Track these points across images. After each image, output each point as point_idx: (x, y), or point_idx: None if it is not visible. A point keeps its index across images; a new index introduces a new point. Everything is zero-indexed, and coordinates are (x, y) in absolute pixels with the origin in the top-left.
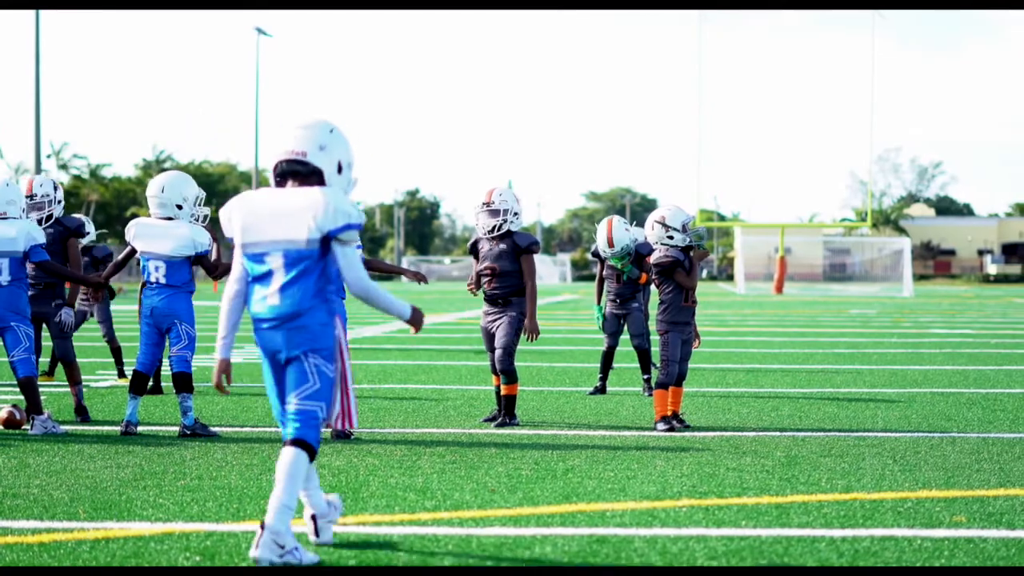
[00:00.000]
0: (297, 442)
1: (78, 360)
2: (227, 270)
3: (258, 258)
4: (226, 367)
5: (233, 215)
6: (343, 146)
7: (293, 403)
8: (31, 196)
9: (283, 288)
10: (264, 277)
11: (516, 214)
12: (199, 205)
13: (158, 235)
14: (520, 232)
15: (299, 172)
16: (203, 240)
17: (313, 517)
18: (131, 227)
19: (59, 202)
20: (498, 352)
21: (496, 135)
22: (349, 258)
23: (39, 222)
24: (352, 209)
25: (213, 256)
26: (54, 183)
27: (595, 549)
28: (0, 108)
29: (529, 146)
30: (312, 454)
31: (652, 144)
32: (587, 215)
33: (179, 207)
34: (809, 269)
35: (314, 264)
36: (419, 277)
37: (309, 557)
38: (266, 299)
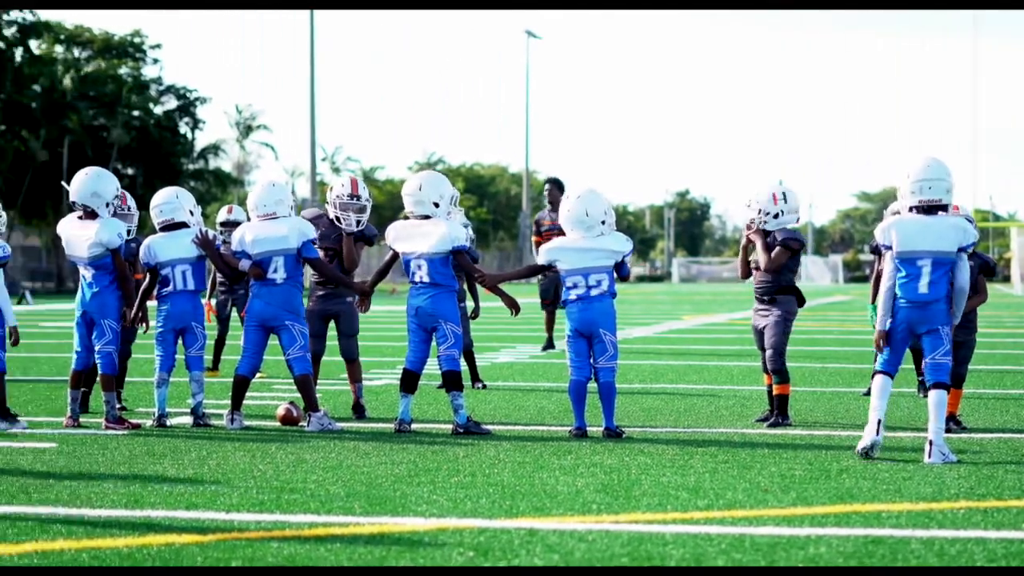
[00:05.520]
0: (939, 384)
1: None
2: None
3: (912, 262)
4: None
5: (890, 231)
6: None
7: (934, 359)
8: (357, 197)
9: (930, 283)
10: (915, 275)
11: (785, 214)
12: (455, 204)
13: (417, 235)
14: (787, 229)
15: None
16: (459, 235)
17: (931, 442)
18: (390, 231)
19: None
20: (768, 352)
21: (766, 135)
22: (964, 263)
23: (356, 223)
24: (973, 229)
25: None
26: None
27: (871, 550)
28: (276, 112)
29: (800, 146)
30: (949, 391)
31: (924, 143)
32: (859, 216)
33: (436, 204)
34: None
35: (950, 267)
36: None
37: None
38: (918, 289)
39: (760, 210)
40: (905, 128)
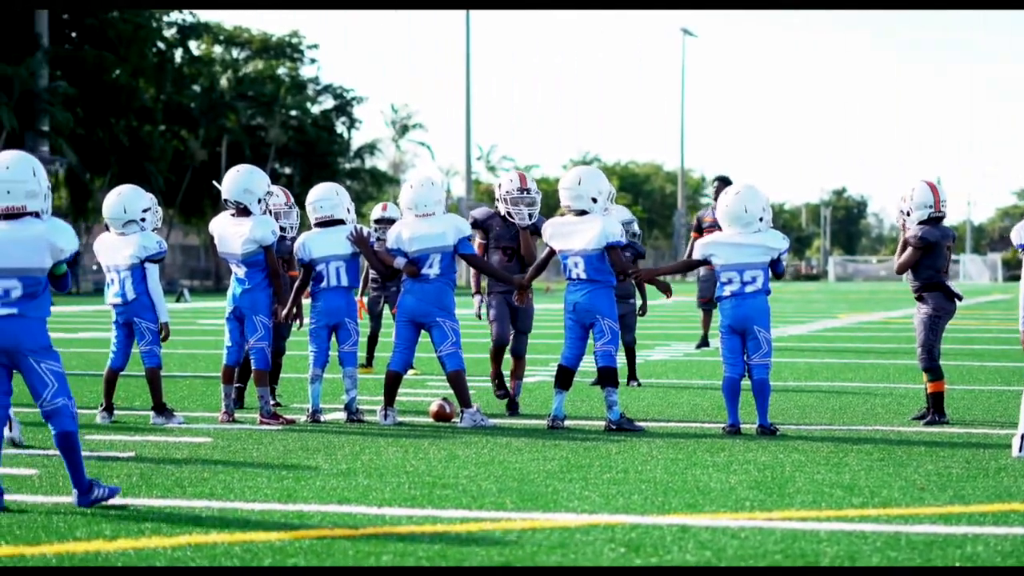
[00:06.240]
0: None
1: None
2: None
3: None
4: None
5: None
6: None
7: None
8: (527, 190)
9: None
10: None
11: (913, 211)
12: (612, 201)
13: (573, 232)
14: (920, 225)
15: None
16: (615, 231)
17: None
18: (546, 228)
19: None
20: (917, 350)
21: (925, 131)
22: None
23: (528, 217)
24: None
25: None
26: None
27: None
28: (432, 111)
29: (959, 143)
30: None
31: None
32: (1018, 214)
33: (594, 200)
34: None
35: None
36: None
37: None
38: None
39: (906, 210)
40: None
